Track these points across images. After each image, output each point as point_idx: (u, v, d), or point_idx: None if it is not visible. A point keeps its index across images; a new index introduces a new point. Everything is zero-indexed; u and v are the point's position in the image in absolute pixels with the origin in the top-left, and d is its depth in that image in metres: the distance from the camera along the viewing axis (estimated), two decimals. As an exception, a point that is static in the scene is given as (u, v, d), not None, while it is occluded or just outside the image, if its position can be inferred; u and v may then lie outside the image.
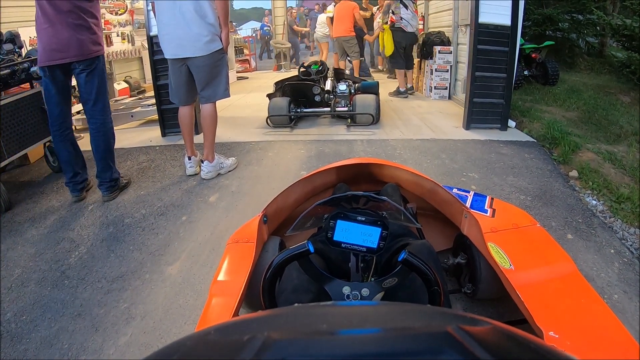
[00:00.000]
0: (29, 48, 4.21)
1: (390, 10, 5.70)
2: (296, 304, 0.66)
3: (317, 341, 0.36)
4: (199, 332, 0.43)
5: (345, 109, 4.68)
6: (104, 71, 2.84)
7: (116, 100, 5.60)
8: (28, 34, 4.57)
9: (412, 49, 5.99)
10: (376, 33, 7.89)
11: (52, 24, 2.58)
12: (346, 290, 0.97)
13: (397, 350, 0.33)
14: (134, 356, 1.63)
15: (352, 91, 4.87)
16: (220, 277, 1.31)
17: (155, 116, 4.49)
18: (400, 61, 5.91)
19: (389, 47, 5.79)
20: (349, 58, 7.52)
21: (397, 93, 6.18)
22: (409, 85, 6.20)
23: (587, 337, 1.00)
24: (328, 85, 4.83)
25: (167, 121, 4.35)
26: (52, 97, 2.75)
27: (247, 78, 9.36)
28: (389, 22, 5.76)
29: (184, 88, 3.15)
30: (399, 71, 6.06)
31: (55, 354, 1.69)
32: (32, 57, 3.30)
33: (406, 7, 5.63)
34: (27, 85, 3.34)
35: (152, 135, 4.43)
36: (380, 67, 8.94)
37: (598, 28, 7.47)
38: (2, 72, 3.02)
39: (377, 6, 8.62)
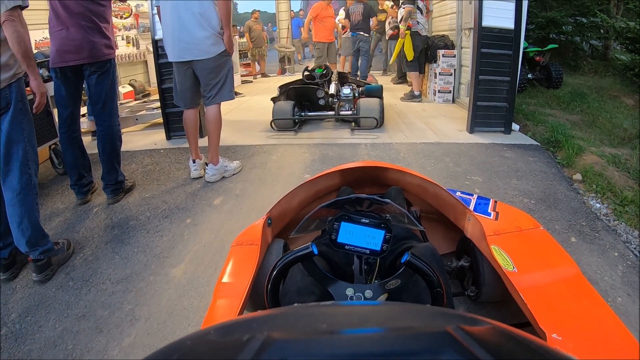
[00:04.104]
0: (35, 51, 4.24)
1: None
2: (296, 304, 0.66)
3: (317, 341, 0.36)
4: (199, 331, 0.43)
5: (349, 112, 4.69)
6: (114, 74, 2.87)
7: (121, 104, 5.63)
8: (34, 38, 4.61)
9: (425, 53, 5.99)
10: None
11: (65, 26, 2.61)
12: (349, 292, 0.97)
13: (397, 350, 0.33)
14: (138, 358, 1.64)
15: (356, 95, 4.87)
16: (225, 279, 1.31)
17: (160, 119, 4.52)
18: (417, 65, 5.87)
19: (410, 52, 5.71)
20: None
21: (412, 97, 6.09)
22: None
23: (590, 339, 1.00)
24: (332, 89, 4.84)
25: (172, 124, 4.37)
26: (62, 98, 2.78)
27: (251, 82, 9.39)
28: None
29: (189, 91, 3.16)
30: (415, 75, 6.00)
31: (59, 355, 1.71)
32: (38, 60, 3.32)
33: (421, 11, 5.64)
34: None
35: (157, 138, 4.46)
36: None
37: (602, 31, 7.45)
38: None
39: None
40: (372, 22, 7.70)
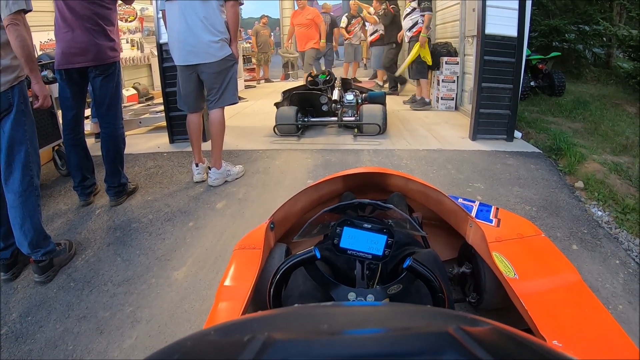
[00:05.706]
0: (40, 53, 4.27)
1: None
2: (296, 304, 0.66)
3: (318, 341, 0.36)
4: (199, 332, 0.43)
5: (352, 118, 4.70)
6: (119, 77, 2.89)
7: (125, 107, 5.65)
8: (38, 39, 4.63)
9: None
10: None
11: (70, 28, 2.64)
12: (351, 296, 0.98)
13: (398, 350, 0.33)
14: None
15: (359, 101, 4.89)
16: (227, 282, 1.32)
17: (164, 123, 4.53)
18: (425, 71, 5.88)
19: (429, 58, 5.70)
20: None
21: (423, 104, 6.03)
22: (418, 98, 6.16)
23: (590, 346, 1.00)
24: (335, 95, 4.86)
25: (175, 128, 4.39)
26: (66, 100, 2.80)
27: (254, 87, 9.41)
28: (414, 33, 5.73)
29: (193, 95, 3.18)
30: (423, 81, 5.99)
31: (59, 355, 1.71)
32: (42, 62, 3.34)
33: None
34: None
35: (160, 141, 4.48)
36: (380, 82, 8.47)
37: (604, 39, 7.48)
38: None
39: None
40: (335, 32, 8.82)
